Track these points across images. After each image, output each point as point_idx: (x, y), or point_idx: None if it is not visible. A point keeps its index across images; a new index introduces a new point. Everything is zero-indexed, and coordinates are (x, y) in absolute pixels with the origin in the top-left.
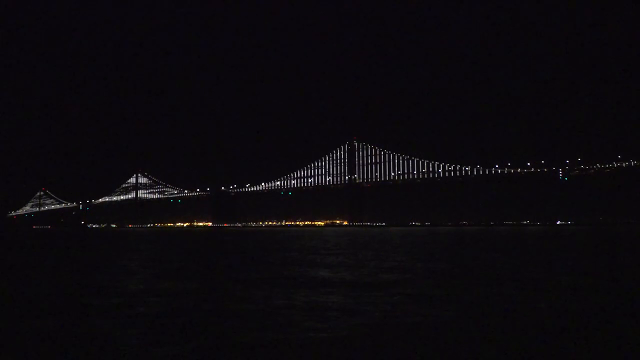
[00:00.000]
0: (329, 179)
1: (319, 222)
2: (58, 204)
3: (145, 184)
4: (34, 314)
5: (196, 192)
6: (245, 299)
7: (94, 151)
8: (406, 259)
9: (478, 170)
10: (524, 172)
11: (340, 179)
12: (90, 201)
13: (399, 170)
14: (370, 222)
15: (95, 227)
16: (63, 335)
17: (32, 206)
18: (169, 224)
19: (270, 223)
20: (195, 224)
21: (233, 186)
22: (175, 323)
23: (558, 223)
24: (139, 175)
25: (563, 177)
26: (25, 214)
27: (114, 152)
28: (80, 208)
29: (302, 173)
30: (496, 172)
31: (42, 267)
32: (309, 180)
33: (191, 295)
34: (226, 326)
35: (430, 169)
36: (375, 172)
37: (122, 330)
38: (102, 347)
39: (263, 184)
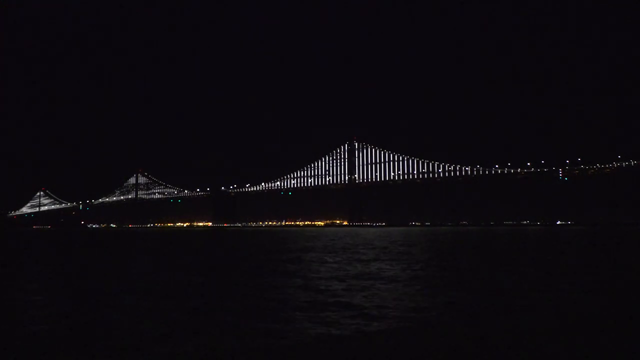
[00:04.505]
0: (329, 179)
1: (319, 222)
2: (58, 204)
3: (145, 184)
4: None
5: (196, 192)
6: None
7: (94, 151)
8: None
9: (478, 170)
10: (524, 172)
11: (340, 179)
12: (90, 201)
13: (399, 170)
14: (370, 222)
15: (95, 227)
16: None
17: (32, 206)
18: (169, 224)
19: (270, 223)
20: (195, 224)
21: (233, 186)
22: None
23: (558, 223)
24: (139, 175)
25: (563, 177)
26: (25, 214)
27: (114, 152)
28: (80, 208)
29: (302, 173)
30: (496, 172)
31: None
32: (309, 180)
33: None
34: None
35: (430, 169)
36: (375, 172)
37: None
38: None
39: (263, 184)
